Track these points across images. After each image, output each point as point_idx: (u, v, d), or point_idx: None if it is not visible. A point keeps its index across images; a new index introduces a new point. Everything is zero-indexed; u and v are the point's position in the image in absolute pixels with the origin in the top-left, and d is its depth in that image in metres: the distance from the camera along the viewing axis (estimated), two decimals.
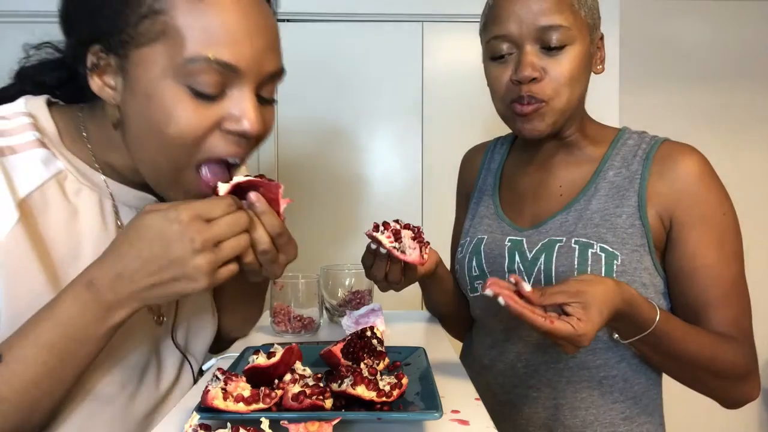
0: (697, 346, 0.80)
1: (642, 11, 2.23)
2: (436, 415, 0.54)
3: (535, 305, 0.67)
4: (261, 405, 0.55)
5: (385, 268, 0.87)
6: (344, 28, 2.21)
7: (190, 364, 0.84)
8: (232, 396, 0.54)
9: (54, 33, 0.73)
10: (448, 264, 1.05)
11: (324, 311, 1.11)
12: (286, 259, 0.68)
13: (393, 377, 0.60)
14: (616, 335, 0.81)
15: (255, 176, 0.66)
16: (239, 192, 0.64)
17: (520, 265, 0.92)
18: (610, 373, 0.89)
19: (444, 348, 0.92)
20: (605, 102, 2.14)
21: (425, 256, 0.85)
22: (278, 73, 0.68)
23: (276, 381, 0.60)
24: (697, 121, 2.23)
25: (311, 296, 1.05)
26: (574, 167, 0.94)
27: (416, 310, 1.44)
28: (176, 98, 0.61)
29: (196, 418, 0.51)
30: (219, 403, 0.53)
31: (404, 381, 0.60)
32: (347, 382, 0.58)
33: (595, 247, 0.86)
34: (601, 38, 0.92)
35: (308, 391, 0.56)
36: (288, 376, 0.60)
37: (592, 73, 0.91)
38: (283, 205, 0.66)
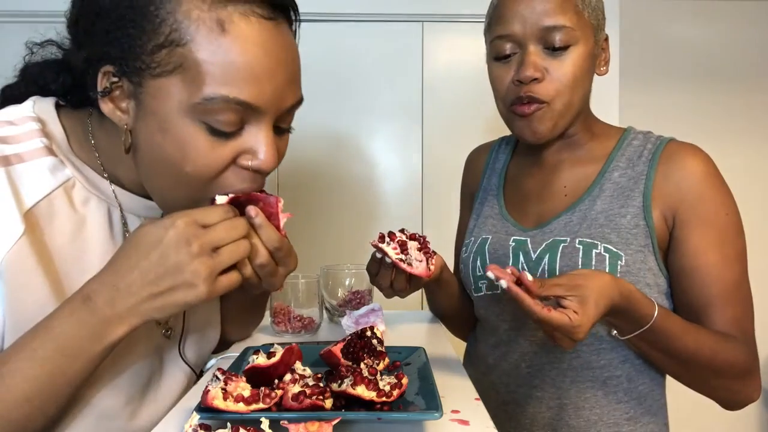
0: (697, 343, 0.79)
1: (642, 11, 2.23)
2: (436, 415, 0.54)
3: (534, 296, 0.68)
4: (261, 405, 0.55)
5: (390, 277, 0.87)
6: (344, 28, 2.21)
7: (196, 375, 0.83)
8: (232, 396, 0.54)
9: (54, 34, 0.73)
10: (450, 264, 1.04)
11: (324, 311, 1.11)
12: (286, 271, 0.66)
13: (393, 377, 0.60)
14: (615, 332, 0.81)
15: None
16: (238, 207, 0.63)
17: (525, 264, 0.92)
18: (614, 373, 0.89)
19: (444, 348, 0.92)
20: (605, 102, 2.14)
21: (432, 268, 0.84)
22: (298, 104, 0.66)
23: (276, 381, 0.60)
24: (697, 121, 2.23)
25: (311, 296, 1.05)
26: (579, 167, 0.94)
27: (416, 310, 1.44)
28: (193, 136, 0.59)
29: (196, 418, 0.51)
30: (219, 403, 0.53)
31: (404, 381, 0.60)
32: (347, 382, 0.58)
33: (599, 247, 0.86)
34: (606, 39, 0.92)
35: (308, 391, 0.56)
36: (288, 376, 0.60)
37: (595, 74, 0.92)
38: (283, 219, 0.65)
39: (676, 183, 0.86)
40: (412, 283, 0.88)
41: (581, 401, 0.90)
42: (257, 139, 0.62)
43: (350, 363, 0.67)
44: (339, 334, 0.98)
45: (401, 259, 0.82)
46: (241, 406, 0.54)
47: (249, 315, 0.96)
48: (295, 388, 0.57)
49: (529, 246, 0.92)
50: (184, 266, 0.56)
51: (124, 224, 0.72)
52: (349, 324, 1.02)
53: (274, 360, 0.61)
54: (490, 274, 0.68)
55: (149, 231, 0.58)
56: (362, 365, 0.63)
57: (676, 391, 0.96)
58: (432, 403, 0.57)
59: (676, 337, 0.78)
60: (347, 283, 1.12)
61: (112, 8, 0.59)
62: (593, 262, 0.86)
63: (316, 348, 0.75)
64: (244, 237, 0.60)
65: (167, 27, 0.58)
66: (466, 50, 2.20)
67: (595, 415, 0.89)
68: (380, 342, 0.72)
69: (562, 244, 0.88)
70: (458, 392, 0.69)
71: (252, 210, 0.62)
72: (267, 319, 1.06)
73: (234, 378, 0.56)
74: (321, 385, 0.58)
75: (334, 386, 0.59)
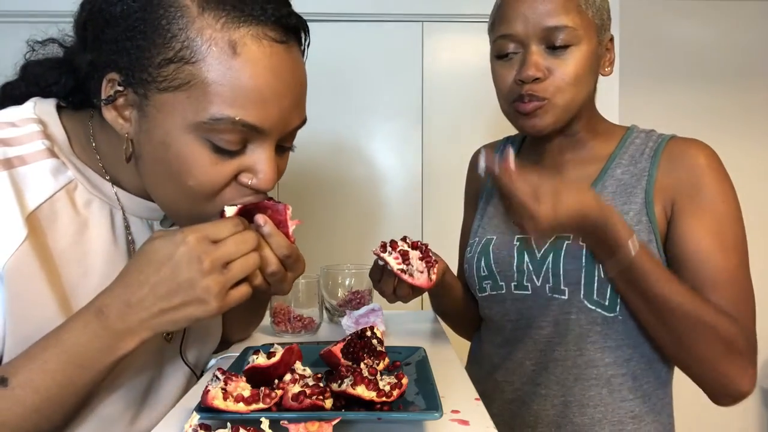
0: (681, 295, 0.78)
1: (642, 11, 2.23)
2: (436, 415, 0.54)
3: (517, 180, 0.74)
4: (261, 405, 0.55)
5: (393, 284, 0.87)
6: (344, 28, 2.21)
7: (197, 377, 0.83)
8: (232, 396, 0.54)
9: (54, 33, 0.73)
10: (451, 263, 1.04)
11: (324, 311, 1.11)
12: (294, 276, 0.67)
13: (393, 377, 0.60)
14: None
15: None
16: (246, 215, 0.64)
17: (529, 264, 0.92)
18: (618, 371, 0.89)
19: (444, 348, 0.92)
20: (605, 102, 2.14)
21: (433, 278, 0.85)
22: (302, 125, 0.67)
23: (276, 381, 0.60)
24: (697, 121, 2.23)
25: (311, 296, 1.05)
26: (583, 166, 0.94)
27: (416, 310, 1.44)
28: (195, 152, 0.59)
29: (196, 418, 0.51)
30: (219, 403, 0.53)
31: (404, 381, 0.60)
32: (347, 382, 0.58)
33: None
34: (611, 40, 0.92)
35: (308, 391, 0.56)
36: (288, 376, 0.60)
37: (600, 75, 0.92)
38: (291, 226, 0.65)
39: (677, 174, 0.86)
40: (414, 290, 0.88)
41: (585, 399, 0.90)
42: (259, 159, 0.62)
43: (350, 363, 0.67)
44: (339, 334, 0.98)
45: (402, 270, 0.82)
46: (241, 406, 0.54)
47: (250, 315, 0.96)
48: (295, 388, 0.57)
49: (534, 245, 0.93)
50: (196, 283, 0.57)
51: (127, 226, 0.71)
52: (349, 324, 1.02)
53: (274, 360, 0.61)
54: (481, 163, 0.76)
55: (161, 246, 0.58)
56: (362, 365, 0.63)
57: (680, 389, 0.96)
58: (432, 403, 0.57)
59: (658, 280, 0.78)
60: (347, 283, 1.12)
61: (122, 17, 0.59)
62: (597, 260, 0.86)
63: (316, 348, 0.75)
64: (254, 249, 0.61)
65: (178, 43, 0.57)
66: (466, 50, 2.20)
67: (599, 413, 0.90)
68: (380, 342, 0.72)
69: (566, 242, 0.89)
70: (458, 392, 0.69)
71: (260, 218, 0.63)
72: (267, 319, 1.06)
73: (234, 378, 0.56)
74: (321, 385, 0.58)
75: (334, 386, 0.59)
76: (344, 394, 0.58)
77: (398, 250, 0.83)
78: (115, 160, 0.69)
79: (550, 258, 0.90)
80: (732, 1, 2.24)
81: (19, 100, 0.70)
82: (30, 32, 0.74)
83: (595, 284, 0.87)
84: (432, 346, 0.90)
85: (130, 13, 0.59)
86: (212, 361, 0.88)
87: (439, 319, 1.15)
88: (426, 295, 1.09)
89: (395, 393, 0.58)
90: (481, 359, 1.05)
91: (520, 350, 0.96)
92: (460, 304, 1.08)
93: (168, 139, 0.60)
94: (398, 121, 2.25)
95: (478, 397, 0.67)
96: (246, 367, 0.61)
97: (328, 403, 0.56)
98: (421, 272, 0.83)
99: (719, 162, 0.87)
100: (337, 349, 0.70)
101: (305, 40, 0.66)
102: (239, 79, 0.58)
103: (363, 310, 1.04)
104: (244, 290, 0.61)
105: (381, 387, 0.58)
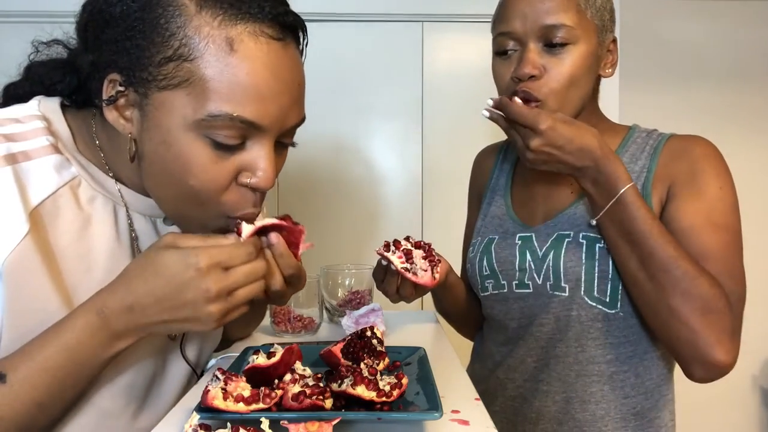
0: (663, 238, 0.78)
1: (642, 11, 2.23)
2: (436, 415, 0.54)
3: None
4: (261, 405, 0.55)
5: (396, 283, 0.88)
6: (344, 28, 2.21)
7: (197, 375, 0.83)
8: (232, 396, 0.54)
9: (58, 34, 0.73)
10: (453, 263, 1.04)
11: (324, 311, 1.11)
12: (294, 290, 0.69)
13: (393, 377, 0.60)
14: (593, 221, 0.85)
15: (280, 217, 0.66)
16: (262, 232, 0.65)
17: (531, 263, 0.93)
18: (620, 368, 0.90)
19: (444, 348, 0.92)
20: (605, 102, 2.14)
21: (436, 277, 0.85)
22: (300, 123, 0.67)
23: (276, 381, 0.60)
24: (697, 121, 2.23)
25: (311, 296, 1.05)
26: None
27: (416, 310, 1.44)
28: (196, 151, 0.60)
29: (196, 418, 0.51)
30: (219, 403, 0.53)
31: (404, 381, 0.60)
32: (347, 382, 0.58)
33: (602, 242, 0.87)
34: (614, 42, 0.92)
35: (308, 391, 0.56)
36: (288, 376, 0.60)
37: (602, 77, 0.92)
38: (302, 249, 0.67)
39: (675, 165, 0.87)
40: (417, 289, 0.89)
41: (587, 395, 0.90)
42: (258, 156, 0.62)
43: (350, 363, 0.67)
44: (339, 334, 0.98)
45: (406, 269, 0.82)
46: (241, 406, 0.54)
47: (250, 315, 0.96)
48: (295, 388, 0.57)
49: (535, 244, 0.93)
50: (199, 307, 0.59)
51: (130, 223, 0.72)
52: (349, 324, 1.02)
53: (274, 360, 0.61)
54: (489, 101, 0.83)
55: (172, 262, 0.58)
56: (362, 365, 0.63)
57: (681, 389, 0.96)
58: (432, 403, 0.57)
59: (644, 221, 0.78)
60: (347, 283, 1.12)
61: (122, 18, 0.60)
62: (596, 257, 0.87)
63: (316, 348, 0.75)
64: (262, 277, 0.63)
65: (176, 41, 0.58)
66: (466, 50, 2.20)
67: (601, 409, 0.90)
68: (380, 342, 0.72)
69: (567, 239, 0.89)
70: (458, 392, 0.69)
71: (274, 237, 0.64)
72: (267, 319, 1.06)
73: (234, 378, 0.56)
74: (321, 385, 0.58)
75: (334, 386, 0.59)
76: (344, 394, 0.58)
77: (402, 249, 0.83)
78: (117, 158, 0.69)
79: (550, 256, 0.91)
80: (732, 1, 2.24)
81: (23, 100, 0.70)
82: (33, 32, 0.74)
83: (596, 281, 0.87)
84: (432, 346, 0.90)
85: (129, 13, 0.59)
86: (212, 361, 0.88)
87: (440, 319, 1.15)
88: (427, 295, 1.10)
89: (395, 393, 0.58)
90: (483, 357, 1.06)
91: (521, 347, 0.96)
92: (463, 304, 1.08)
93: (169, 138, 0.60)
94: (398, 121, 2.25)
95: (478, 397, 0.67)
96: (246, 367, 0.61)
97: (328, 403, 0.56)
98: (425, 271, 0.84)
99: (718, 153, 0.87)
100: (337, 349, 0.70)
101: (303, 39, 0.67)
102: (236, 76, 0.58)
103: (363, 310, 1.04)
104: (242, 309, 0.62)
105: (381, 387, 0.58)
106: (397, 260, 0.82)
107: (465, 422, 0.60)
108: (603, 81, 0.95)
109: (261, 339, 1.02)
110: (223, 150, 0.61)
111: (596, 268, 0.87)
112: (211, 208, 0.63)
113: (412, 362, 0.74)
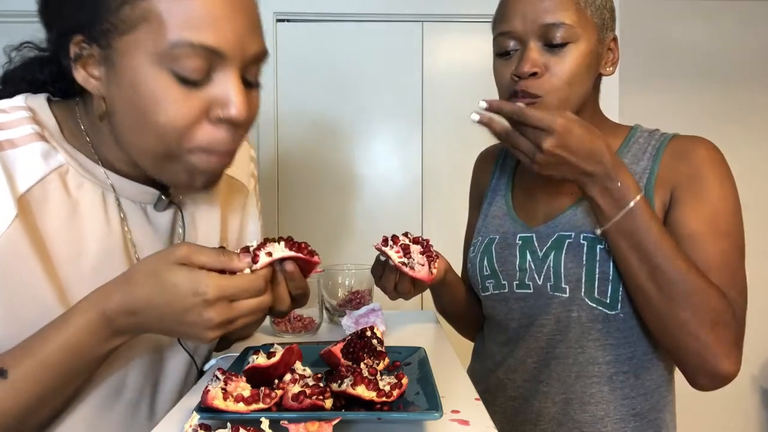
0: (674, 252, 0.77)
1: (642, 11, 2.23)
2: (436, 415, 0.54)
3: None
4: (261, 405, 0.55)
5: (394, 280, 0.87)
6: (344, 28, 2.22)
7: (196, 365, 0.84)
8: (232, 396, 0.54)
9: (29, 33, 0.73)
10: (453, 262, 1.05)
11: (324, 311, 1.11)
12: (297, 307, 0.72)
13: (393, 377, 0.60)
14: (599, 231, 0.82)
15: (296, 242, 0.67)
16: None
17: (532, 263, 0.93)
18: (620, 369, 0.90)
19: (444, 348, 0.92)
20: (605, 102, 2.14)
21: (434, 272, 0.85)
22: (262, 55, 0.67)
23: (276, 381, 0.60)
24: (697, 121, 2.23)
25: (311, 296, 1.04)
26: None
27: (416, 310, 1.44)
28: (162, 85, 0.61)
29: (196, 418, 0.51)
30: (219, 403, 0.53)
31: (404, 381, 0.60)
32: (347, 382, 0.58)
33: (603, 243, 0.86)
34: (615, 40, 0.92)
35: (308, 391, 0.56)
36: (288, 376, 0.60)
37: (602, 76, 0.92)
38: (313, 274, 0.70)
39: (677, 168, 0.87)
40: (416, 285, 0.89)
41: (587, 396, 0.90)
42: (226, 88, 0.63)
43: (350, 363, 0.67)
44: (339, 334, 0.98)
45: (404, 263, 0.82)
46: (241, 406, 0.54)
47: None
48: (295, 388, 0.57)
49: (536, 244, 0.93)
50: (200, 329, 0.60)
51: (120, 208, 0.73)
52: (349, 324, 1.02)
53: (274, 360, 0.61)
54: (482, 103, 0.80)
55: (181, 283, 0.59)
56: (362, 365, 0.63)
57: (681, 389, 0.96)
58: (432, 403, 0.57)
59: (655, 233, 0.77)
60: (347, 283, 1.12)
61: None
62: (597, 258, 0.87)
63: (316, 348, 0.75)
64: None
65: None
66: (466, 50, 2.20)
67: (601, 410, 0.90)
68: (380, 342, 0.72)
69: (568, 240, 0.89)
70: (458, 392, 0.69)
71: (289, 266, 0.66)
72: (267, 319, 1.06)
73: (234, 378, 0.57)
74: (321, 385, 0.58)
75: (334, 386, 0.59)
76: (344, 394, 0.58)
77: (399, 244, 0.83)
78: (103, 142, 0.70)
79: (551, 257, 0.90)
80: (732, 1, 2.24)
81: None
82: (27, 32, 0.74)
83: (596, 282, 0.87)
84: (432, 346, 0.90)
85: None
86: (212, 361, 0.88)
87: (440, 319, 1.15)
88: (426, 294, 1.10)
89: (395, 393, 0.58)
90: (484, 357, 1.06)
91: (522, 348, 0.96)
92: (462, 304, 1.08)
93: (135, 78, 0.61)
94: (398, 121, 2.25)
95: (478, 397, 0.67)
96: (246, 367, 0.62)
97: (328, 403, 0.56)
98: (423, 265, 0.84)
99: (721, 156, 0.87)
100: (337, 349, 0.70)
101: None
102: (188, 3, 0.60)
103: (363, 310, 1.04)
104: (237, 324, 0.63)
105: (381, 387, 0.58)
106: (394, 255, 0.82)
107: (465, 422, 0.60)
108: (603, 80, 0.95)
109: (261, 339, 1.02)
110: (189, 86, 0.61)
111: (597, 270, 0.87)
112: (185, 146, 0.63)
113: (412, 362, 0.74)
